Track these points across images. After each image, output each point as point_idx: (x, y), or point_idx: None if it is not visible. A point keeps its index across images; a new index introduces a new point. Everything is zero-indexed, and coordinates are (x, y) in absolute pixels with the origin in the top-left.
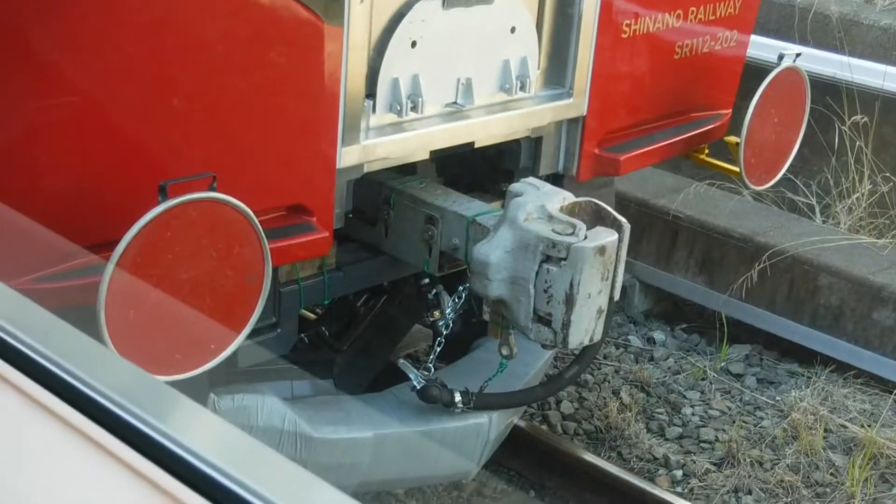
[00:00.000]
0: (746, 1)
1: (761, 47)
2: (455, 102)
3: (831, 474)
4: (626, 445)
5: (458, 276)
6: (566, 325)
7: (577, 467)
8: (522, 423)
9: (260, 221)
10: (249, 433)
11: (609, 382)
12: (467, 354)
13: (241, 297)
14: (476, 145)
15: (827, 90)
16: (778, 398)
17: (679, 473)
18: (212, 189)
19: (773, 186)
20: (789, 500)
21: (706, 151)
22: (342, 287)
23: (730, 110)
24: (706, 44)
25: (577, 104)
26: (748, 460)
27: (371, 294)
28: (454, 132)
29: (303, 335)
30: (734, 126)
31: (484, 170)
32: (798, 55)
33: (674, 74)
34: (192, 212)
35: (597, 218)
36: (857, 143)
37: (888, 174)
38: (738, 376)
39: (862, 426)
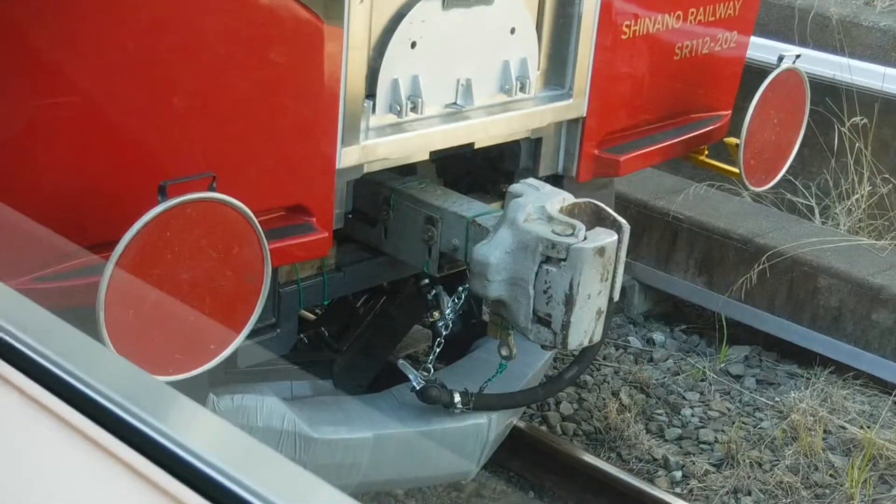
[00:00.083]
0: (746, 2)
1: (761, 49)
2: (455, 103)
3: (830, 475)
4: (625, 446)
5: (458, 276)
6: (566, 325)
7: (576, 468)
8: (522, 424)
9: (260, 222)
10: (249, 433)
11: (608, 383)
12: (467, 355)
13: (240, 297)
14: (476, 146)
15: (827, 92)
16: (777, 399)
17: (678, 474)
18: (211, 189)
19: (772, 188)
20: (789, 501)
21: (706, 152)
22: (342, 287)
23: (730, 111)
24: (706, 45)
25: (576, 105)
26: (747, 461)
27: (371, 294)
28: (454, 133)
29: (302, 335)
30: (734, 127)
31: (484, 170)
32: (798, 57)
33: (674, 75)
34: (191, 212)
35: (596, 219)
36: (857, 144)
37: (888, 176)
38: (738, 377)
39: (861, 427)
